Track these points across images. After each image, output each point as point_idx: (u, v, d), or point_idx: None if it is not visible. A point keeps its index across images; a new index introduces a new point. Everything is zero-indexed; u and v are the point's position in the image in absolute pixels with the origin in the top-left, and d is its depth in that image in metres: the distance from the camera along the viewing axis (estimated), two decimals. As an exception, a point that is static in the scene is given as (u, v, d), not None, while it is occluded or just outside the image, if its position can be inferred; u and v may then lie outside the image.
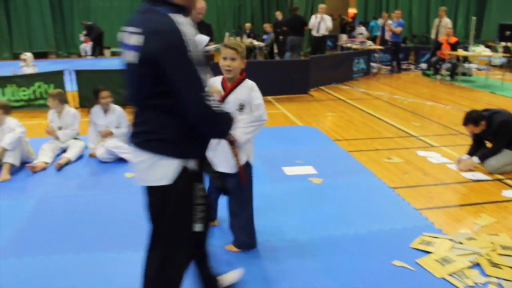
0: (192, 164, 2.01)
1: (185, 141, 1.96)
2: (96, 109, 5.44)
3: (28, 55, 10.55)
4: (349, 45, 13.67)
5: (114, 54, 17.87)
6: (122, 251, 3.29)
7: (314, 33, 12.54)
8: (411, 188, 4.49)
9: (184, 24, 1.81)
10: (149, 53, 1.81)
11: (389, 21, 13.10)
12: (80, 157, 5.40)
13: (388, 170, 4.95)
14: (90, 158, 5.38)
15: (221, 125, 2.00)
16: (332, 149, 5.72)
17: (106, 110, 5.42)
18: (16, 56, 15.21)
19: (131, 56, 1.88)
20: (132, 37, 1.87)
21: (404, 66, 13.51)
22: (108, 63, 14.47)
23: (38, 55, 15.50)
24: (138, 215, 3.86)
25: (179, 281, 2.15)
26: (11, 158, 4.87)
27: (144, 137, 1.97)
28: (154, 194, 2.04)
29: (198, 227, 2.09)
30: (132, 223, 3.73)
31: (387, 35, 13.16)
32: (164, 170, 1.95)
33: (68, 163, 5.17)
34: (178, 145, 1.95)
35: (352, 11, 18.75)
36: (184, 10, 1.92)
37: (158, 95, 1.88)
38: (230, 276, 2.73)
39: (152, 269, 2.11)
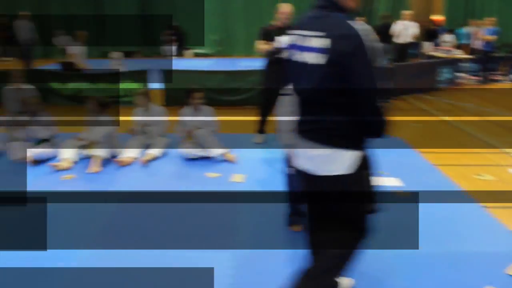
0: (363, 154, 2.22)
1: (359, 135, 2.18)
2: (187, 109, 5.58)
3: (117, 54, 11.12)
4: (433, 53, 13.09)
5: (197, 55, 18.42)
6: (205, 250, 3.34)
7: (397, 40, 12.15)
8: (505, 208, 4.18)
9: (363, 29, 1.99)
10: (338, 54, 2.00)
11: (479, 29, 12.39)
12: (165, 154, 5.57)
13: (478, 188, 4.64)
14: (175, 155, 5.53)
15: (384, 126, 2.15)
16: (417, 161, 5.47)
17: (196, 109, 5.55)
18: (104, 55, 16.11)
19: (314, 57, 2.08)
20: (313, 40, 2.08)
21: (494, 78, 12.70)
22: (190, 63, 14.89)
23: (125, 54, 16.30)
24: (219, 215, 3.93)
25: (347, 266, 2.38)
26: (102, 151, 5.13)
27: (324, 133, 2.18)
28: (333, 183, 2.21)
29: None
30: (211, 222, 3.80)
31: (477, 44, 12.44)
32: (344, 160, 2.16)
33: (153, 159, 5.36)
34: (356, 139, 2.18)
35: (436, 17, 17.96)
36: (354, 14, 2.08)
37: (338, 94, 2.07)
38: (344, 283, 2.80)
39: (328, 256, 2.32)
